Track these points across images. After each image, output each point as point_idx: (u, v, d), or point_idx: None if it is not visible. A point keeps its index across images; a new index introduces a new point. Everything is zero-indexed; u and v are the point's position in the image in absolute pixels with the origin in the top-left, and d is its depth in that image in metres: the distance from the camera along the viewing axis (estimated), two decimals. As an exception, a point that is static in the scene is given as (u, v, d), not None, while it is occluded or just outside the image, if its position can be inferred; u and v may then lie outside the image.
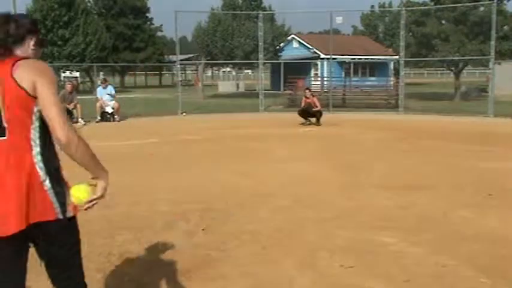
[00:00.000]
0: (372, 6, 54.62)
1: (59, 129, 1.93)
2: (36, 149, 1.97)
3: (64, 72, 42.80)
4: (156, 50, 44.20)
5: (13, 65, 1.94)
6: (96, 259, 3.85)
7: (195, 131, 12.98)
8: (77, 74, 41.58)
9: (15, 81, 1.92)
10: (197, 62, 34.30)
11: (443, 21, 24.04)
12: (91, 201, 2.07)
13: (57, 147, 2.03)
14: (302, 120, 13.98)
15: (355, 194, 6.05)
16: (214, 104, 22.35)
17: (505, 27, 23.69)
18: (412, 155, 9.00)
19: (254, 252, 4.07)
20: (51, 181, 1.98)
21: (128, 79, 51.43)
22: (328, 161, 8.32)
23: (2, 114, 1.94)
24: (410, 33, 23.46)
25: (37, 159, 1.97)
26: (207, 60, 31.05)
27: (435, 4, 24.14)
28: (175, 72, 34.64)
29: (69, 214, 2.04)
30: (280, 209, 5.38)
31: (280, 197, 5.85)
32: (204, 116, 17.47)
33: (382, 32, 48.62)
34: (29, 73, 1.93)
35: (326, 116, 14.40)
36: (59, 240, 2.07)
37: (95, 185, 2.08)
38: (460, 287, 3.43)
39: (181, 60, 22.98)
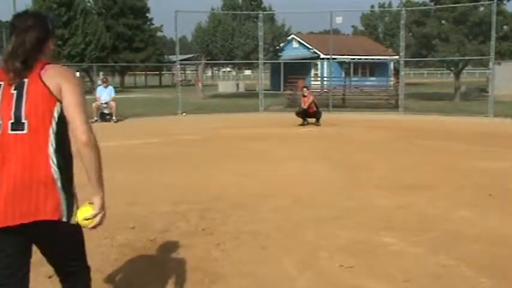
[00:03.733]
0: (372, 6, 54.65)
1: (80, 126, 2.00)
2: (52, 149, 2.01)
3: (64, 72, 42.74)
4: (156, 50, 44.17)
5: (41, 68, 2.05)
6: (96, 259, 3.84)
7: (195, 131, 12.97)
8: (77, 74, 41.55)
9: (42, 81, 2.02)
10: (197, 62, 34.28)
11: (443, 21, 24.04)
12: (94, 216, 2.09)
13: (73, 152, 2.11)
14: (301, 120, 13.97)
15: (355, 194, 6.04)
16: (214, 104, 22.35)
17: (505, 27, 23.69)
18: (412, 155, 9.00)
19: (254, 252, 4.07)
20: (62, 182, 2.02)
21: (128, 79, 51.42)
22: (328, 161, 8.31)
23: (23, 110, 2.00)
24: (410, 33, 23.46)
25: (51, 158, 2.00)
26: (207, 60, 31.03)
27: (435, 4, 24.15)
28: (175, 72, 34.64)
29: (73, 221, 2.07)
30: (280, 209, 5.38)
31: (280, 197, 5.85)
32: (204, 116, 17.46)
33: (382, 32, 48.61)
34: (55, 76, 2.05)
35: (326, 116, 14.39)
36: (59, 241, 2.10)
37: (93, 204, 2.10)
38: (460, 287, 3.43)
39: (181, 60, 23.01)
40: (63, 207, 2.01)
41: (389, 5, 51.35)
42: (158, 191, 6.16)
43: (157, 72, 54.65)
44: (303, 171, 7.49)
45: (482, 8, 22.12)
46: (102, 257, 3.90)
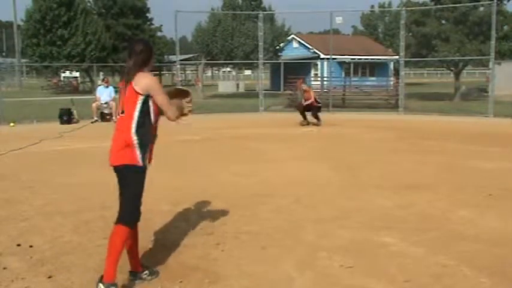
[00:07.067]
0: (372, 6, 54.90)
1: (167, 112, 3.62)
2: (134, 126, 3.30)
3: (64, 72, 42.79)
4: (155, 50, 44.08)
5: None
6: (96, 259, 3.85)
7: (195, 130, 12.95)
8: (77, 74, 41.56)
9: (133, 87, 3.30)
10: (197, 62, 34.29)
11: (443, 21, 24.05)
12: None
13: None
14: (301, 119, 13.93)
15: (355, 194, 6.05)
16: (214, 104, 22.35)
17: (505, 27, 23.71)
18: (412, 155, 9.00)
19: (254, 252, 4.07)
20: (140, 148, 3.31)
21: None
22: (328, 161, 8.31)
23: (121, 103, 3.38)
24: (410, 33, 23.48)
25: (133, 131, 3.29)
26: (207, 60, 31.03)
27: (435, 4, 24.15)
28: (175, 72, 34.65)
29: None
30: (280, 209, 5.38)
31: (280, 197, 5.85)
32: (204, 116, 17.45)
33: (382, 32, 48.66)
34: (141, 82, 3.31)
35: (326, 116, 14.38)
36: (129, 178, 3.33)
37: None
38: (460, 287, 3.43)
39: (181, 60, 23.01)
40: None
41: (390, 5, 51.41)
42: (158, 191, 6.14)
43: (157, 72, 54.61)
44: (303, 171, 7.49)
45: (482, 8, 22.14)
46: (101, 257, 3.90)
